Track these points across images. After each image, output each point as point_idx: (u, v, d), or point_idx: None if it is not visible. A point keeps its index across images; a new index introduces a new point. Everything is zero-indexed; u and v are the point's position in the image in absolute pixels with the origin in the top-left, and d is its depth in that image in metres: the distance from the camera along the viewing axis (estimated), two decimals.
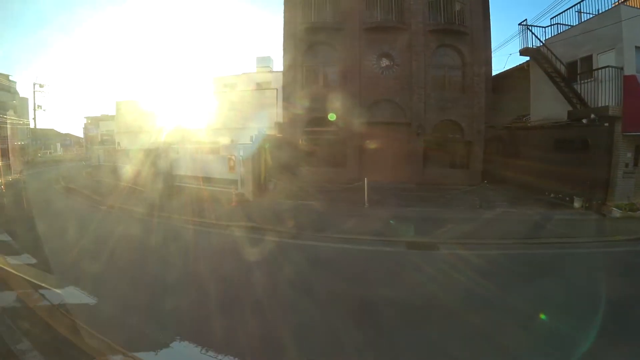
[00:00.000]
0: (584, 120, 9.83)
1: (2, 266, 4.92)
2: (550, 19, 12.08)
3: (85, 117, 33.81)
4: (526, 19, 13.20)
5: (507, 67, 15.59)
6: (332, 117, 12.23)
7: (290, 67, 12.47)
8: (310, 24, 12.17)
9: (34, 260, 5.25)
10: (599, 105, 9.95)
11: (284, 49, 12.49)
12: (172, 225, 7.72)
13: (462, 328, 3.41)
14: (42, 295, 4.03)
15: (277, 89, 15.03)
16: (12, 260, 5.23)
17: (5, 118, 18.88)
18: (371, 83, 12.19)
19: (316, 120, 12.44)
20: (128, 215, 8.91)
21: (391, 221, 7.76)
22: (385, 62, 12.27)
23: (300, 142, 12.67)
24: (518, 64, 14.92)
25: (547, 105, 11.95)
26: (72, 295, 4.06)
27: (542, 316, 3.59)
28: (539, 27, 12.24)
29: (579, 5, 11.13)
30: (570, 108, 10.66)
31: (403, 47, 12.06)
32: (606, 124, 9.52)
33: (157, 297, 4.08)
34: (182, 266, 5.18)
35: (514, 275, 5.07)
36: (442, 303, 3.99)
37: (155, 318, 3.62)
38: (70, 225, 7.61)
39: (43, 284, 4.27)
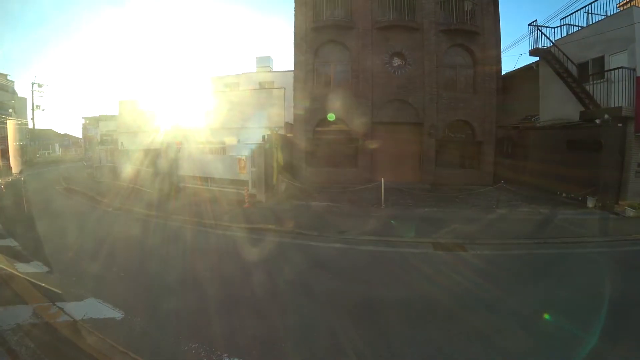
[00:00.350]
0: (597, 121, 9.87)
1: (13, 275, 4.56)
2: (560, 19, 12.18)
3: (83, 118, 33.32)
4: (536, 20, 13.26)
5: (513, 68, 15.65)
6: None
7: (300, 66, 12.33)
8: (322, 22, 12.03)
9: (45, 269, 4.92)
10: (611, 105, 10.02)
11: (295, 48, 12.34)
12: (189, 229, 7.46)
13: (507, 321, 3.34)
14: (61, 308, 3.72)
15: (284, 89, 14.91)
16: (22, 268, 4.89)
17: (5, 118, 18.45)
18: (383, 83, 12.11)
19: (327, 120, 12.33)
20: (138, 218, 8.61)
21: (402, 222, 7.70)
22: (397, 61, 12.20)
23: (310, 142, 12.53)
24: (523, 65, 15.08)
25: (556, 105, 12.00)
26: (94, 308, 3.76)
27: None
28: (549, 27, 12.30)
29: (590, 6, 11.20)
30: (582, 108, 10.71)
31: (415, 46, 12.01)
32: (619, 125, 9.59)
33: (190, 309, 3.77)
34: (212, 273, 4.90)
35: (548, 275, 5.02)
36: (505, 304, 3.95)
37: (191, 333, 3.28)
38: (79, 229, 7.32)
39: (60, 295, 3.94)
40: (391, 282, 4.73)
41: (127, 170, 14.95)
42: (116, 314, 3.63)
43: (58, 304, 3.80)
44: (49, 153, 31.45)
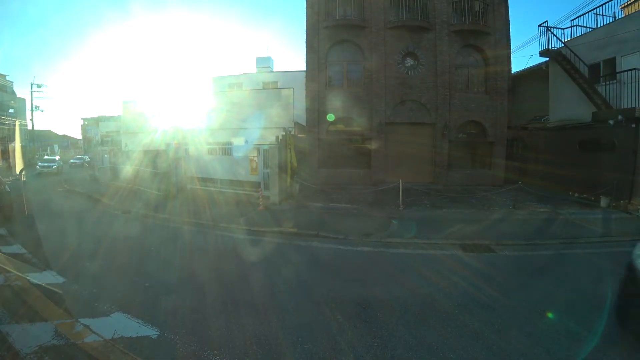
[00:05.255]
0: (611, 122, 9.95)
1: (27, 288, 4.18)
2: (570, 21, 12.29)
3: (82, 118, 32.75)
4: (547, 20, 13.35)
5: (520, 69, 15.74)
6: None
7: (312, 66, 12.23)
8: (334, 22, 11.97)
9: (61, 279, 4.50)
10: (623, 106, 10.12)
11: (307, 47, 12.25)
12: (206, 234, 7.23)
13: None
14: (87, 326, 3.32)
15: (292, 88, 14.79)
16: (35, 279, 4.46)
17: (4, 119, 18.06)
18: (396, 83, 12.08)
19: (339, 120, 12.26)
20: (149, 221, 8.32)
21: (425, 224, 7.65)
22: (409, 61, 12.19)
23: (323, 142, 12.43)
24: (531, 65, 15.18)
25: (566, 106, 12.10)
26: (124, 324, 3.37)
27: None
28: (559, 28, 12.38)
29: (601, 8, 11.31)
30: (593, 109, 10.81)
31: (428, 46, 12.01)
32: (633, 125, 9.66)
33: (241, 326, 3.34)
34: (248, 282, 4.65)
35: (586, 275, 4.99)
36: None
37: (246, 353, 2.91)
38: (90, 234, 7.00)
39: (82, 310, 3.58)
40: (430, 285, 4.64)
41: (131, 171, 14.69)
42: (150, 331, 3.25)
43: (82, 320, 3.40)
44: (47, 154, 30.92)
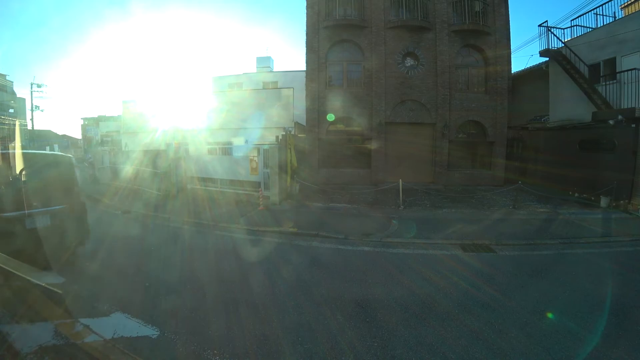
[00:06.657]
0: (611, 122, 9.95)
1: (26, 287, 4.24)
2: (570, 21, 12.29)
3: (82, 118, 32.73)
4: (547, 20, 13.35)
5: (520, 69, 15.74)
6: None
7: (312, 65, 12.23)
8: (334, 22, 11.96)
9: (60, 279, 4.47)
10: (623, 107, 10.12)
11: (307, 47, 12.25)
12: (207, 233, 7.28)
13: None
14: (87, 326, 3.34)
15: (292, 88, 14.78)
16: (35, 278, 4.43)
17: (4, 118, 18.11)
18: (396, 83, 12.08)
19: (339, 120, 12.25)
20: (150, 221, 8.30)
21: (424, 223, 7.65)
22: (409, 61, 12.19)
23: (322, 142, 12.43)
24: (531, 65, 15.18)
25: (566, 106, 12.09)
26: (124, 324, 3.40)
27: None
28: (559, 28, 12.37)
29: (601, 8, 11.31)
30: (592, 109, 10.80)
31: (427, 46, 12.01)
32: (632, 125, 9.67)
33: (243, 325, 3.33)
34: (248, 280, 4.72)
35: (590, 275, 4.99)
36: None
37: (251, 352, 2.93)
38: (90, 233, 6.94)
39: (82, 310, 3.60)
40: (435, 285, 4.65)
41: (131, 171, 14.67)
42: (150, 331, 3.25)
43: (82, 320, 3.40)
44: None
